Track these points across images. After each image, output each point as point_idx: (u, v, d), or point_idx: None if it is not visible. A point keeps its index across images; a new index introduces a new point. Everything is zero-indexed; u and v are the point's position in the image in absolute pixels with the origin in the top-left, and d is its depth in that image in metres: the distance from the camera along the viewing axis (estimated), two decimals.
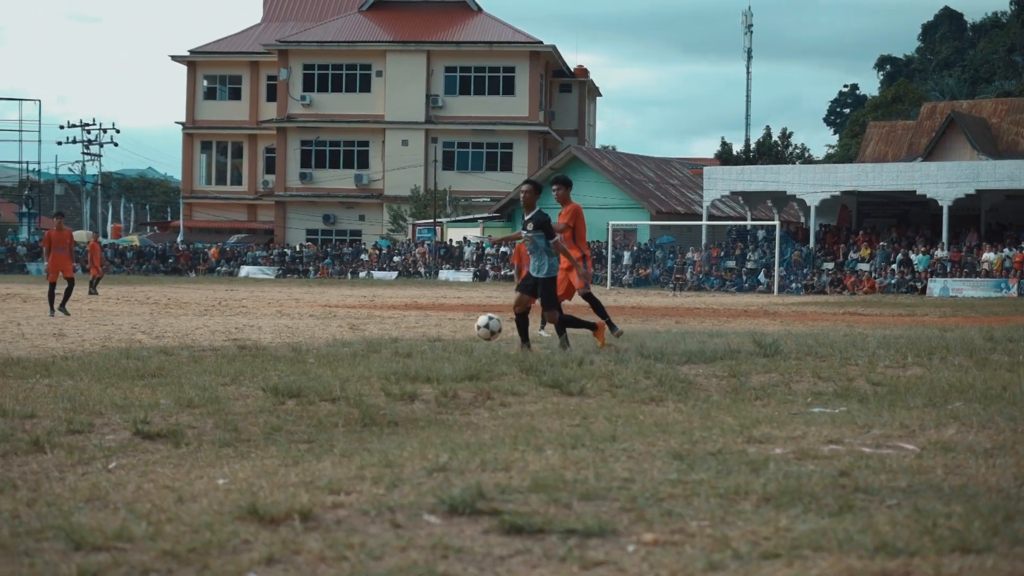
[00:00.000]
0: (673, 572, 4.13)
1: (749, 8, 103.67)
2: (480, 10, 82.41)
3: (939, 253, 53.27)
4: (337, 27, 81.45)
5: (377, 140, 79.98)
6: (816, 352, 12.69)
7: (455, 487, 5.18)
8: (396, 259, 69.98)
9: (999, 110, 67.74)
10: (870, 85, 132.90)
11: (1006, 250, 51.89)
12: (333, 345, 15.10)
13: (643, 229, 63.98)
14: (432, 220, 72.90)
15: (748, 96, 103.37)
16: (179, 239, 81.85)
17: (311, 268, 72.07)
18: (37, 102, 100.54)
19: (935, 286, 50.68)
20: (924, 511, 4.84)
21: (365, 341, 15.67)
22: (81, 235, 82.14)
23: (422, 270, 67.67)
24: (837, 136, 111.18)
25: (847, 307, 35.02)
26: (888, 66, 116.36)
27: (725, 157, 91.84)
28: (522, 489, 5.28)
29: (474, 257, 69.02)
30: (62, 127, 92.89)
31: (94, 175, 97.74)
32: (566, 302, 15.47)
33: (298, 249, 75.56)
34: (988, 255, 51.90)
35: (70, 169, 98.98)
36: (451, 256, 69.95)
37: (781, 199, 60.00)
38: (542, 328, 18.00)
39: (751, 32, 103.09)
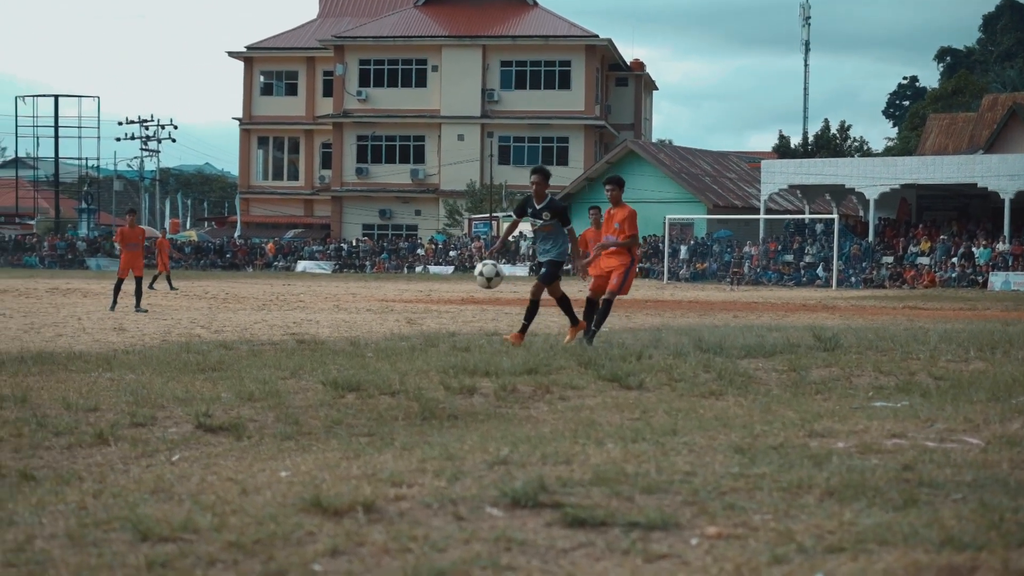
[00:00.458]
0: (737, 566, 4.12)
1: (807, 0, 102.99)
2: (536, 4, 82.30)
3: (1000, 246, 52.69)
4: (393, 22, 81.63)
5: (433, 135, 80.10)
6: (877, 346, 12.61)
7: (517, 480, 5.18)
8: (452, 254, 70.13)
9: None
10: (930, 77, 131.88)
11: None
12: (391, 339, 15.16)
13: (700, 223, 63.72)
14: (488, 215, 72.95)
15: (806, 89, 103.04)
16: (236, 234, 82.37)
17: (367, 263, 72.35)
18: (96, 99, 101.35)
19: (996, 280, 50.15)
20: (990, 505, 4.79)
21: (423, 335, 15.71)
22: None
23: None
24: (896, 129, 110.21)
25: (907, 301, 34.73)
26: (948, 58, 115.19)
27: (783, 150, 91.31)
28: (584, 482, 5.28)
29: (530, 251, 68.98)
30: (121, 124, 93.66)
31: (152, 171, 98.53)
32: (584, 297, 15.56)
33: (354, 244, 75.87)
34: None
35: (129, 165, 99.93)
36: (507, 250, 69.98)
37: (840, 192, 59.58)
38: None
39: (809, 24, 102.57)
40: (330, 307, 26.84)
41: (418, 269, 68.96)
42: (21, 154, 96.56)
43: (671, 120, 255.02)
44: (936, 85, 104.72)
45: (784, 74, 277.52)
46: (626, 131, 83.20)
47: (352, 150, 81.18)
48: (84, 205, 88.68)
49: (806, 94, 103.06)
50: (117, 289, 24.80)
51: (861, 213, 61.68)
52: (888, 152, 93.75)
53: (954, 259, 53.16)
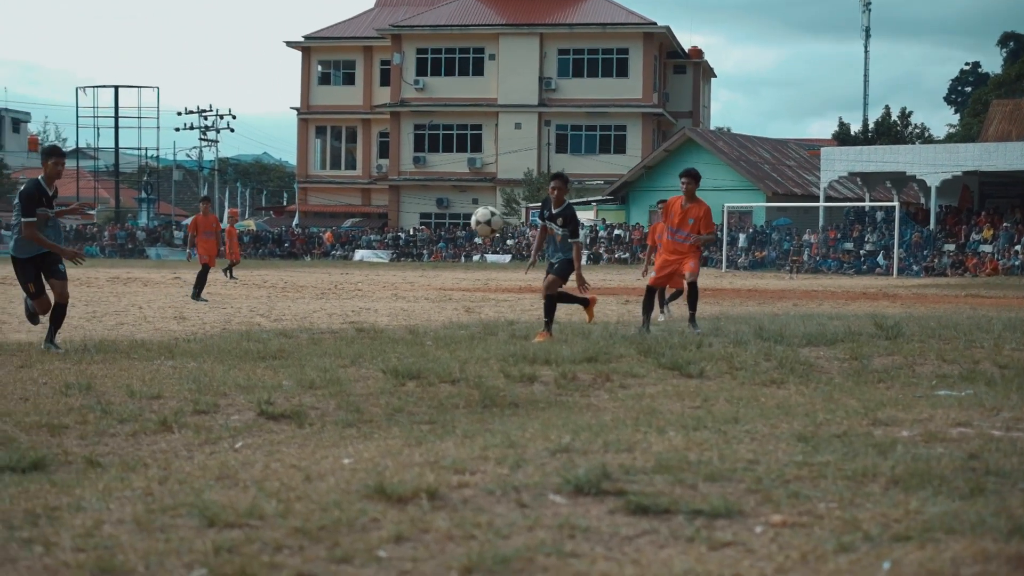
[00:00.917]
0: (803, 554, 4.09)
1: None
2: None
3: None
4: (450, 11, 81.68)
5: (490, 123, 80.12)
6: (939, 334, 12.50)
7: (579, 467, 5.17)
8: (509, 242, 70.16)
9: None
10: (993, 63, 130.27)
11: None
12: (450, 327, 15.19)
13: (759, 211, 63.39)
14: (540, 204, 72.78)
15: (866, 75, 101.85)
16: (294, 223, 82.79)
17: (425, 252, 72.52)
18: (156, 89, 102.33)
19: None
20: None
21: (481, 324, 15.73)
22: None
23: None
24: (958, 115, 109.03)
25: (969, 289, 34.38)
26: (1011, 43, 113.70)
27: (843, 137, 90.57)
28: (646, 470, 5.27)
29: (587, 240, 68.94)
30: (180, 114, 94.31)
31: (211, 161, 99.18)
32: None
33: (412, 233, 76.05)
34: None
35: (188, 155, 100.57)
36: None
37: (900, 180, 59.05)
38: (664, 310, 17.93)
39: (869, 10, 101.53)
40: (388, 296, 26.94)
41: (475, 258, 69.04)
42: (81, 145, 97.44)
43: (729, 107, 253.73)
44: (999, 71, 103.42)
45: (844, 60, 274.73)
46: (684, 119, 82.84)
47: (409, 139, 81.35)
48: (144, 195, 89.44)
49: (866, 80, 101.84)
50: (203, 279, 24.44)
51: (922, 200, 61.13)
52: (950, 139, 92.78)
53: (1017, 247, 52.53)
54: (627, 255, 66.19)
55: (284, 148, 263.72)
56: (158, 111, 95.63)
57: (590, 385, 9.21)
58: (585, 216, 70.89)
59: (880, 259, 55.13)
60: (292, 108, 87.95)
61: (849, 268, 55.24)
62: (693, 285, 14.80)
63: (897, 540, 4.22)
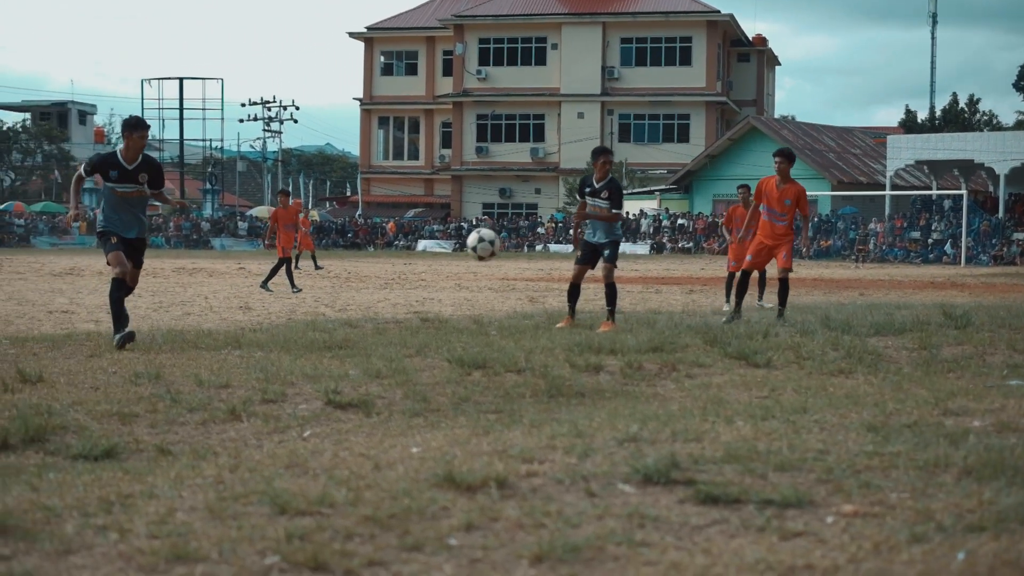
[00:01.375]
0: (876, 544, 4.06)
1: None
2: None
3: None
4: (512, 0, 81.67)
5: (553, 113, 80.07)
6: (1010, 324, 12.33)
7: (648, 457, 5.16)
8: (572, 232, 70.06)
9: None
10: None
11: None
12: (514, 317, 15.20)
13: (824, 200, 62.93)
14: None
15: (933, 62, 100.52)
16: (357, 214, 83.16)
17: None
18: (220, 81, 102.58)
19: None
20: None
21: (546, 313, 15.72)
22: (262, 211, 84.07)
23: None
24: None
25: None
26: None
27: (909, 125, 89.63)
28: (715, 459, 5.24)
29: (651, 230, 68.75)
30: (244, 105, 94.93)
31: (275, 152, 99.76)
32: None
33: (475, 223, 76.14)
34: None
35: (252, 146, 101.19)
36: (628, 229, 69.79)
37: (968, 168, 58.42)
38: (760, 299, 17.87)
39: None
40: (451, 286, 27.00)
41: (538, 248, 69.04)
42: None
43: (794, 95, 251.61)
44: None
45: (910, 47, 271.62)
46: (748, 107, 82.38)
47: (472, 129, 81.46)
48: (208, 186, 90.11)
49: (933, 67, 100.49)
50: (289, 270, 24.27)
51: (991, 188, 60.41)
52: (1019, 126, 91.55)
53: None
54: (690, 244, 65.95)
55: (347, 139, 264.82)
56: (222, 103, 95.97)
57: (656, 375, 9.18)
58: (648, 205, 70.71)
59: (948, 248, 54.60)
60: (355, 99, 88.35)
61: (916, 257, 54.74)
62: (785, 281, 14.57)
63: (971, 530, 4.18)
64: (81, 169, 12.08)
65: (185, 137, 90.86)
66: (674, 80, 77.52)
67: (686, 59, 77.81)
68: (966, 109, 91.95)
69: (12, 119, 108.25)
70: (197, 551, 3.95)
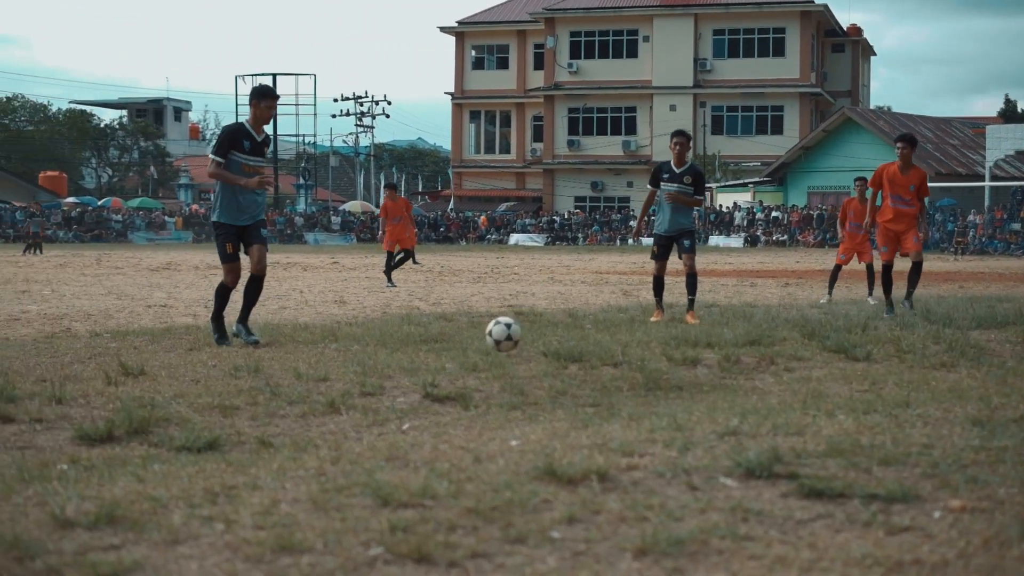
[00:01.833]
0: (985, 539, 4.00)
1: None
2: None
3: None
4: None
5: (644, 106, 79.76)
6: None
7: (749, 451, 5.12)
8: None
9: None
10: None
11: None
12: (608, 311, 15.17)
13: None
14: None
15: None
16: (449, 208, 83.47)
17: (580, 235, 72.55)
18: (312, 77, 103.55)
19: None
20: None
21: (640, 307, 15.68)
22: (355, 205, 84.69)
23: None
24: None
25: None
26: None
27: (1009, 115, 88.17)
28: (818, 453, 5.19)
29: (744, 222, 68.27)
30: (336, 100, 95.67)
31: (367, 146, 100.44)
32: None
33: (566, 216, 76.12)
34: None
35: (344, 141, 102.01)
36: (721, 222, 69.36)
37: None
38: (870, 295, 17.70)
39: None
40: (544, 279, 27.00)
41: (631, 241, 68.82)
42: None
43: (889, 86, 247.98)
44: None
45: (1009, 36, 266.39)
46: (843, 98, 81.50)
47: (563, 122, 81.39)
48: (302, 181, 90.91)
49: None
50: (388, 265, 24.15)
51: None
52: None
53: None
54: (785, 237, 65.39)
55: (439, 133, 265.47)
56: (315, 98, 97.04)
57: (754, 368, 9.11)
58: (742, 198, 70.22)
59: None
60: (446, 93, 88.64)
61: (1017, 249, 53.82)
62: (918, 265, 14.29)
63: None
64: (214, 156, 10.95)
65: (278, 132, 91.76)
66: (767, 71, 76.85)
67: (779, 50, 77.11)
68: None
69: (109, 116, 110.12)
70: (302, 542, 3.98)
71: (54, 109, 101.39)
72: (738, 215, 68.65)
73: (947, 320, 11.85)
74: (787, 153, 69.79)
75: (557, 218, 75.87)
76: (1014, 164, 64.07)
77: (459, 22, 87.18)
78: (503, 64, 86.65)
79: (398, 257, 24.33)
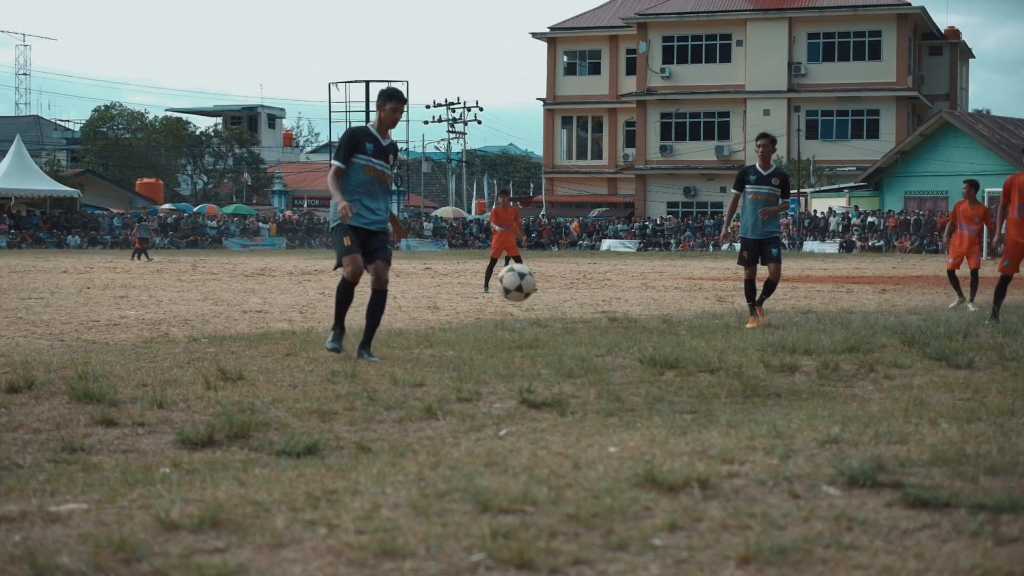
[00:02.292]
0: None
1: None
2: None
3: None
4: None
5: (738, 110, 79.29)
6: None
7: (852, 459, 5.06)
8: None
9: None
10: None
11: None
12: (703, 317, 15.09)
13: None
14: (796, 191, 71.77)
15: None
16: (541, 213, 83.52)
17: (672, 241, 72.23)
18: (405, 83, 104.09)
19: None
20: None
21: (735, 313, 15.58)
22: (447, 211, 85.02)
23: (785, 242, 66.73)
24: None
25: None
26: None
27: None
28: (922, 462, 5.12)
29: (839, 228, 67.57)
30: (428, 107, 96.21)
31: (459, 153, 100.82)
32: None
33: (659, 222, 75.85)
34: None
35: (436, 147, 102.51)
36: (815, 227, 68.71)
37: None
38: (971, 301, 17.51)
39: None
40: (637, 285, 26.92)
41: (724, 247, 68.40)
42: (334, 139, 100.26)
43: (988, 89, 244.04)
44: None
45: None
46: (940, 102, 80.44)
47: (656, 128, 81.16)
48: (394, 187, 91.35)
49: None
50: (489, 271, 23.88)
51: None
52: None
53: None
54: (881, 243, 64.63)
55: (530, 139, 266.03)
56: (407, 105, 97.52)
57: (853, 375, 9.00)
58: (837, 203, 69.52)
59: None
60: (538, 99, 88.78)
61: None
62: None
63: None
64: (336, 162, 10.35)
65: None
66: (863, 75, 76.06)
67: (875, 53, 76.28)
68: None
69: (205, 124, 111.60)
70: (404, 547, 3.99)
71: (151, 117, 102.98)
72: (833, 220, 67.94)
73: None
74: (883, 158, 68.99)
75: (649, 224, 75.63)
76: None
77: (551, 28, 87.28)
78: (595, 69, 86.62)
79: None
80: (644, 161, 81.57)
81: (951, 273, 18.40)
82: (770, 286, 14.00)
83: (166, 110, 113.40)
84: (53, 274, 31.61)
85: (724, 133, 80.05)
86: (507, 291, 9.05)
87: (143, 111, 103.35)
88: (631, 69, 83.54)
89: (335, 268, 10.71)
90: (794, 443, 5.59)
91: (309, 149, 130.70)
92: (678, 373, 8.96)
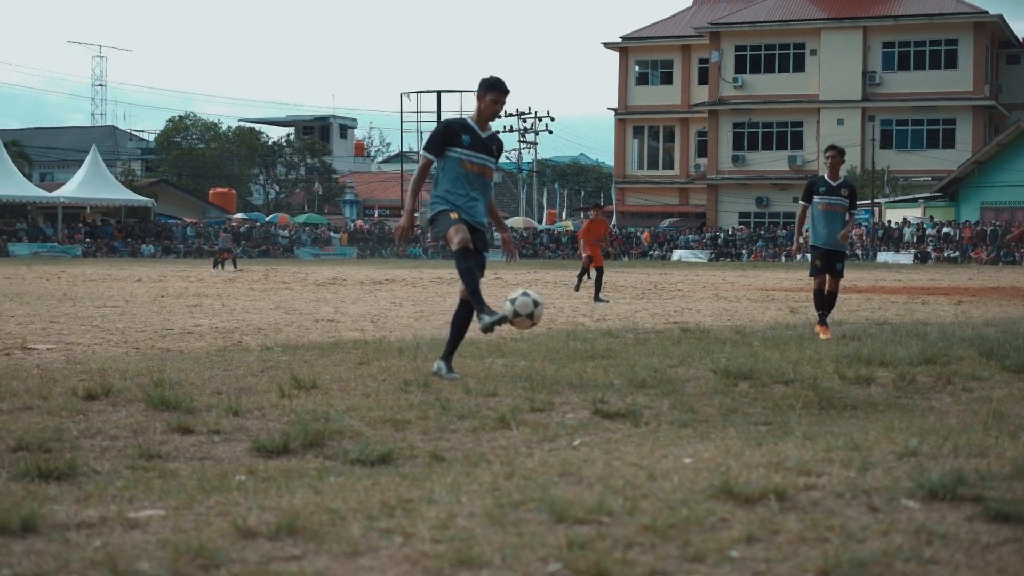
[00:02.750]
0: None
1: None
2: None
3: None
4: (770, 6, 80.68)
5: (811, 120, 78.74)
6: None
7: (931, 472, 5.00)
8: None
9: None
10: None
11: None
12: (776, 328, 15.00)
13: None
14: (870, 201, 71.14)
15: None
16: (612, 224, 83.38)
17: (744, 251, 71.84)
18: (473, 93, 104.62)
19: None
20: None
21: (808, 324, 15.46)
22: (518, 221, 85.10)
23: (859, 252, 66.16)
24: None
25: None
26: None
27: None
28: (1003, 476, 5.05)
29: (914, 238, 66.90)
30: (499, 116, 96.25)
31: (529, 162, 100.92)
32: None
33: (731, 232, 75.47)
34: None
35: (507, 157, 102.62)
36: (890, 238, 68.06)
37: None
38: None
39: None
40: (709, 296, 26.78)
41: (797, 258, 67.93)
42: (405, 149, 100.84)
43: None
44: None
45: None
46: (1018, 111, 79.35)
47: (728, 137, 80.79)
48: None
49: None
50: (580, 277, 26.39)
51: None
52: None
53: None
54: (956, 254, 63.91)
55: (601, 149, 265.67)
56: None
57: (931, 388, 8.90)
58: (912, 214, 68.84)
59: None
60: (609, 109, 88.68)
61: None
62: None
63: None
64: (425, 153, 9.67)
65: None
66: (939, 84, 75.29)
67: (951, 62, 75.49)
68: None
69: (277, 134, 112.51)
70: (480, 556, 3.99)
71: (224, 127, 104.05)
72: (907, 231, 67.27)
73: None
74: (959, 168, 68.24)
75: (721, 234, 75.27)
76: None
77: (623, 38, 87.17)
78: (667, 79, 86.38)
79: (594, 276, 24.62)
80: (716, 171, 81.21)
81: None
82: (830, 298, 13.97)
83: (239, 120, 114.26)
84: (128, 283, 31.98)
85: (797, 143, 79.51)
86: (516, 314, 8.80)
87: (216, 121, 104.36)
88: (703, 79, 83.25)
89: (438, 242, 10.44)
90: (871, 456, 5.54)
91: (380, 159, 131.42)
92: (752, 384, 8.90)
